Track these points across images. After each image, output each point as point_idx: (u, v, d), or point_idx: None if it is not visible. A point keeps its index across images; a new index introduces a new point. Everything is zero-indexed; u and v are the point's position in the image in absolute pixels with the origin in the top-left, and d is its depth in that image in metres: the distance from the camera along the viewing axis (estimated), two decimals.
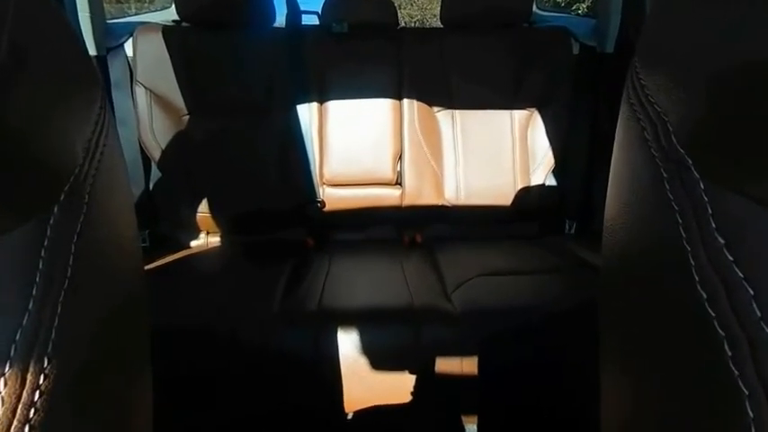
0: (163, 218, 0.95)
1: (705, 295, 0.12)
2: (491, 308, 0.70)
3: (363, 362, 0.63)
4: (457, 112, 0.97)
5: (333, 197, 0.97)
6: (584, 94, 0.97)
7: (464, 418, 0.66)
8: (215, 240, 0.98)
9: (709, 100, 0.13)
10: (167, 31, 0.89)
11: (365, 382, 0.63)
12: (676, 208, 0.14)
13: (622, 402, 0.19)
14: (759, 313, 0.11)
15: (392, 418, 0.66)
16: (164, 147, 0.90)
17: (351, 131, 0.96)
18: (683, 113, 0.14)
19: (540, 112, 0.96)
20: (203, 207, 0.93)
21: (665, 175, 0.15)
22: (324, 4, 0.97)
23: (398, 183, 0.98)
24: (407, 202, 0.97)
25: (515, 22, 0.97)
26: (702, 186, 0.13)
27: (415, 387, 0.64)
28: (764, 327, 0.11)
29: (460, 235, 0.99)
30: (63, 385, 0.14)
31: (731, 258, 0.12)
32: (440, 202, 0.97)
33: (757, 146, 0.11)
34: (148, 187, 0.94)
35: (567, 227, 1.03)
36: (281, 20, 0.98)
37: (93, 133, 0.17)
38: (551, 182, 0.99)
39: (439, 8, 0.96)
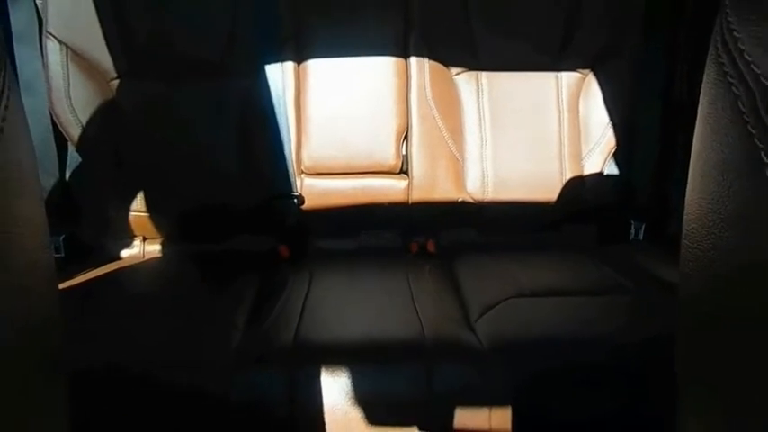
0: (83, 219, 0.84)
1: None
2: (529, 341, 0.63)
3: (355, 415, 0.56)
4: (483, 74, 0.84)
5: (314, 190, 0.86)
6: (656, 51, 0.85)
7: None
8: (154, 249, 0.86)
9: None
10: None
11: None
12: None
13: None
14: None
15: None
16: (84, 122, 0.78)
17: (339, 101, 0.84)
18: None
19: (597, 74, 0.84)
20: (138, 204, 0.81)
21: (765, 159, 0.13)
22: None
23: (404, 171, 0.86)
24: (416, 197, 0.85)
25: None
26: None
27: None
28: None
29: (487, 242, 0.89)
30: None
31: None
32: (460, 198, 0.86)
33: None
34: (64, 177, 0.83)
35: (633, 231, 0.91)
36: None
37: None
38: (612, 170, 0.88)
39: None
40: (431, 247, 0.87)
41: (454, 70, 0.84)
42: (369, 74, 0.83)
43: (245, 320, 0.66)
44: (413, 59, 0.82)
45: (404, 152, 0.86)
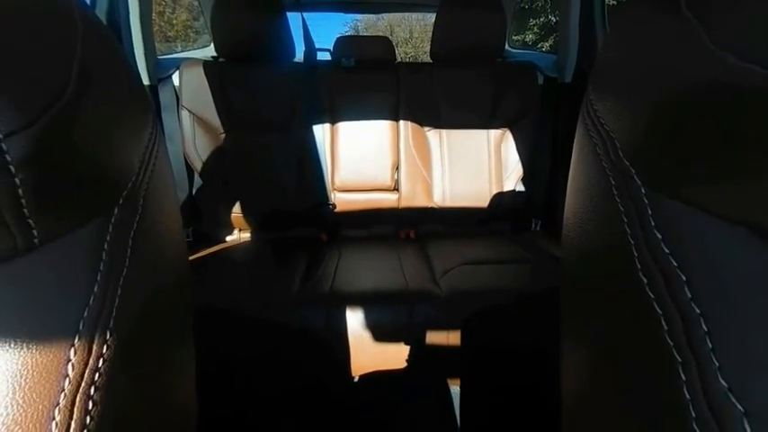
0: (203, 218, 1.05)
1: (646, 281, 0.14)
2: (472, 291, 0.76)
3: (367, 336, 0.68)
4: (444, 131, 1.09)
5: (342, 200, 1.08)
6: (547, 117, 1.10)
7: (449, 381, 0.72)
8: (246, 236, 1.08)
9: (648, 122, 0.14)
10: (207, 65, 1.01)
11: (368, 353, 0.69)
12: (622, 209, 0.15)
13: (579, 374, 0.19)
14: (690, 295, 0.12)
15: (391, 381, 0.71)
16: (204, 159, 1.02)
17: (357, 146, 1.07)
18: (628, 133, 0.15)
19: (512, 131, 1.09)
20: (236, 209, 1.03)
21: (613, 182, 0.16)
22: (335, 43, 1.12)
23: (396, 189, 1.08)
24: (403, 204, 1.07)
25: (491, 57, 1.09)
26: (644, 192, 0.14)
27: (409, 356, 0.69)
28: (695, 306, 0.12)
29: (447, 231, 1.10)
30: (121, 352, 0.15)
31: (667, 251, 0.13)
32: (430, 205, 1.08)
33: (686, 160, 0.13)
34: (192, 192, 1.05)
35: (533, 225, 1.15)
36: (299, 56, 1.12)
37: (147, 148, 0.19)
38: (521, 188, 1.11)
39: (429, 46, 1.09)
40: (412, 234, 1.11)
41: (426, 128, 1.09)
42: (374, 131, 1.08)
43: (300, 278, 0.80)
44: (401, 122, 1.07)
45: (396, 177, 1.08)
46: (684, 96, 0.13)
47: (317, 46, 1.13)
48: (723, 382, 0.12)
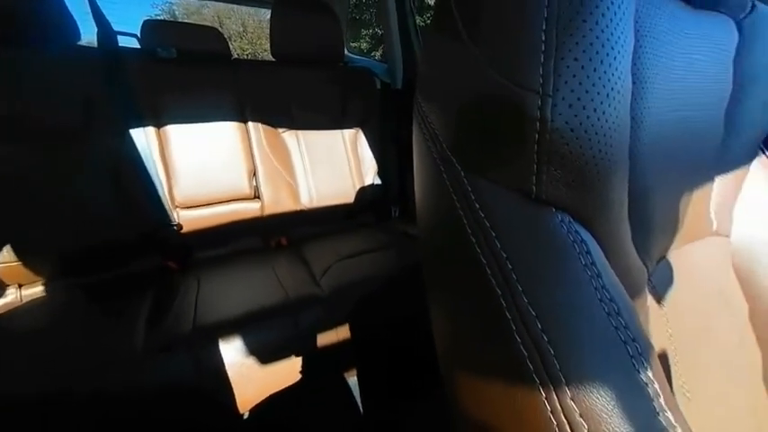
0: None
1: (474, 240, 0.18)
2: (351, 283, 0.79)
3: (251, 363, 0.63)
4: (300, 132, 1.09)
5: (190, 218, 0.96)
6: (389, 117, 1.21)
7: (346, 375, 0.74)
8: (35, 292, 0.80)
9: (457, 122, 0.18)
10: None
11: (256, 381, 0.64)
12: (451, 189, 0.19)
13: (444, 333, 0.22)
14: (499, 245, 0.17)
15: (286, 399, 0.67)
16: None
17: (198, 154, 0.96)
18: (447, 130, 0.19)
19: (363, 129, 1.18)
20: (5, 255, 0.76)
21: (442, 169, 0.19)
22: (143, 26, 0.92)
23: (257, 196, 1.04)
24: (268, 212, 1.03)
25: (333, 61, 1.13)
26: (464, 175, 0.18)
27: (303, 365, 0.68)
28: (503, 253, 0.16)
29: (318, 232, 1.11)
30: None
31: (483, 215, 0.18)
32: (297, 208, 1.08)
33: (483, 149, 0.17)
34: None
35: (392, 212, 1.27)
36: (90, 38, 0.89)
37: None
38: (378, 181, 1.20)
39: (269, 43, 1.05)
40: (284, 241, 1.07)
41: (280, 130, 1.06)
42: (218, 134, 0.98)
43: (144, 323, 0.66)
44: (250, 124, 1.01)
45: (254, 184, 1.03)
46: (474, 103, 0.18)
47: (115, 29, 0.91)
48: (533, 311, 0.16)
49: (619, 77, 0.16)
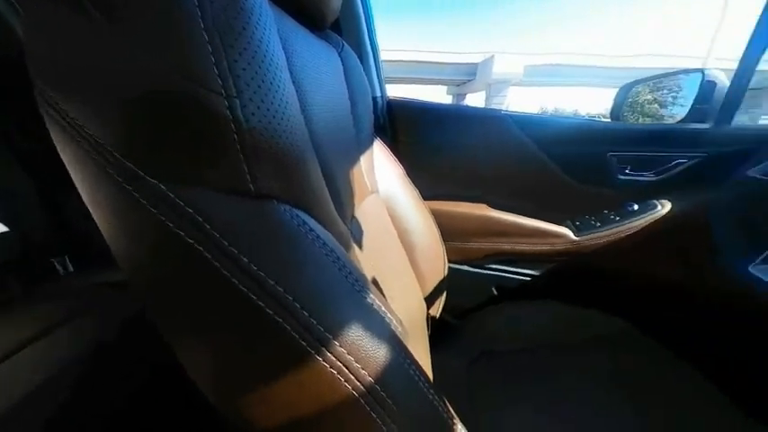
0: None
1: (209, 255, 0.17)
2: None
3: None
4: None
5: None
6: None
7: None
8: None
9: (132, 123, 0.16)
10: None
11: None
12: (153, 210, 0.17)
13: (211, 366, 0.20)
14: (246, 258, 0.17)
15: None
16: None
17: None
18: (116, 136, 0.16)
19: None
20: None
21: (128, 188, 0.17)
22: None
23: None
24: None
25: None
26: (165, 188, 0.17)
27: None
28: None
29: None
30: None
31: (208, 227, 0.18)
32: None
33: (188, 154, 0.16)
34: None
35: (63, 266, 0.90)
36: None
37: None
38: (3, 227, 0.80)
39: None
40: None
41: None
42: None
43: None
44: None
45: None
46: (147, 102, 0.16)
47: None
48: (288, 296, 0.18)
49: (284, 86, 0.20)
